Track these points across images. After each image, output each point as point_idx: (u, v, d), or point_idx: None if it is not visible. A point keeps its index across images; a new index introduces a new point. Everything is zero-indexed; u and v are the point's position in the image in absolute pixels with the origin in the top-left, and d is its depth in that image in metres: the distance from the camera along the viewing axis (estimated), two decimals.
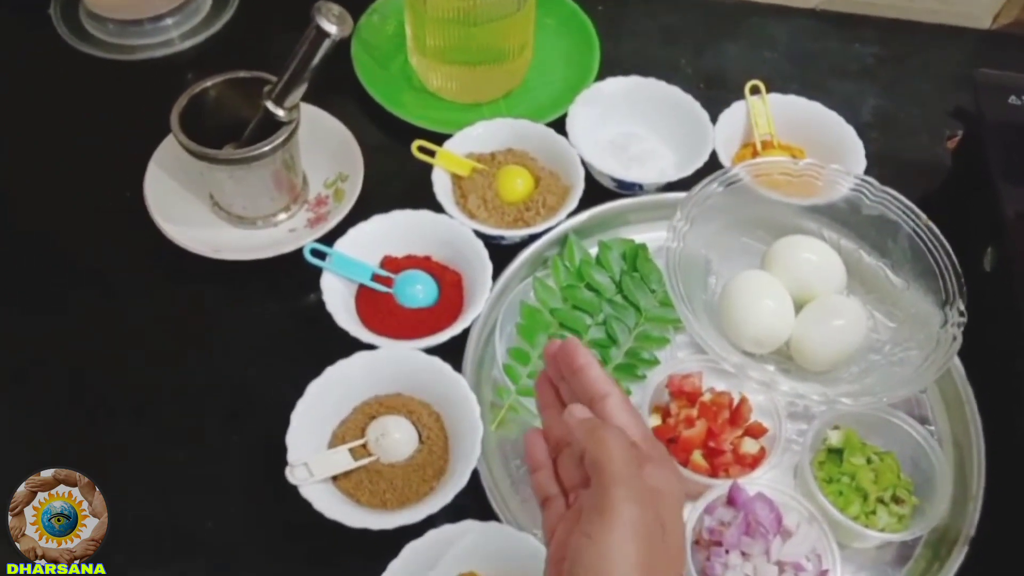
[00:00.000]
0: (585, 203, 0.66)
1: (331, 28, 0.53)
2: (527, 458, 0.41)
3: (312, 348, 0.60)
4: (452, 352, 0.58)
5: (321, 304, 0.59)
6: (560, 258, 0.64)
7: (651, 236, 0.67)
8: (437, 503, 0.51)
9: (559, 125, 0.71)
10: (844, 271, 0.62)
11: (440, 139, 0.70)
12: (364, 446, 0.54)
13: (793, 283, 0.61)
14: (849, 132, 0.69)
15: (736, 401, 0.58)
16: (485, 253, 0.61)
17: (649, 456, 0.37)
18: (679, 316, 0.57)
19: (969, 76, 0.69)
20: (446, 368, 0.56)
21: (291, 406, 0.54)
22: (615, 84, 0.72)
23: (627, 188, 0.68)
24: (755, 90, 0.71)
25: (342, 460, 0.53)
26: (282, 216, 0.67)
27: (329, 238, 0.63)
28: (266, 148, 0.59)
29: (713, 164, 0.68)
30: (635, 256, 0.65)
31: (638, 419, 0.39)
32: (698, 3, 0.85)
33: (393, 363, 0.56)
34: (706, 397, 0.58)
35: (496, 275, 0.62)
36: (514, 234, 0.63)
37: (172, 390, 0.60)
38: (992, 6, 0.83)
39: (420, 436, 0.55)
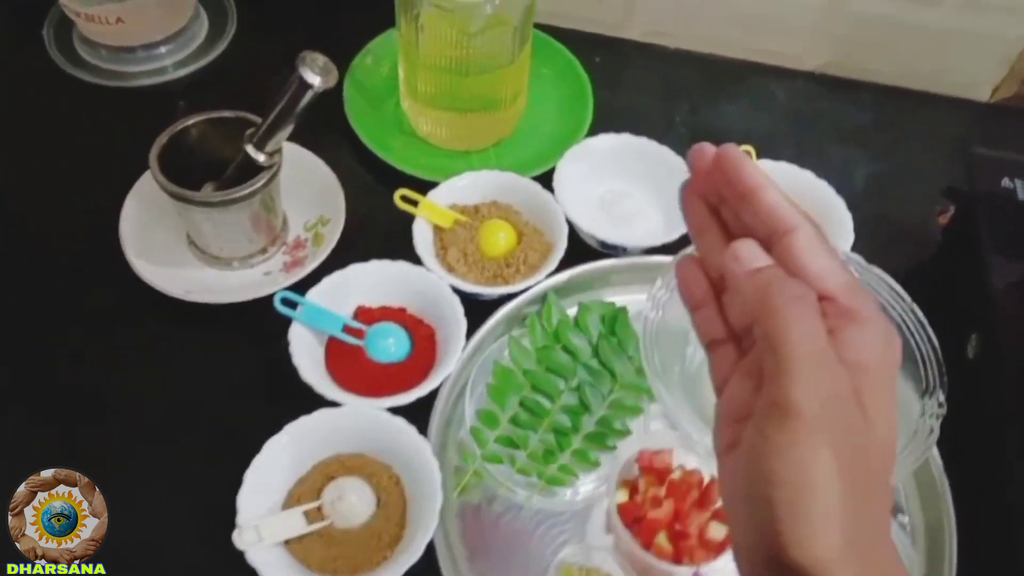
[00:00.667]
0: (568, 260, 0.65)
1: (314, 80, 0.52)
2: (681, 291, 0.33)
3: (277, 397, 0.59)
4: (421, 409, 0.57)
5: (288, 354, 0.58)
6: (538, 317, 0.63)
7: (633, 299, 0.66)
8: (390, 574, 0.49)
9: (548, 178, 0.70)
10: None
11: (426, 186, 0.69)
12: (319, 509, 0.53)
13: None
14: (838, 204, 0.68)
15: (706, 481, 0.57)
16: (460, 310, 0.60)
17: (850, 314, 0.28)
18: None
19: (965, 148, 0.68)
20: (411, 431, 0.54)
21: (249, 457, 0.53)
22: (606, 141, 0.71)
23: (611, 249, 0.67)
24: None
25: (295, 523, 0.52)
26: (259, 258, 0.66)
27: (304, 284, 0.62)
28: (244, 192, 0.58)
29: None
30: (614, 320, 0.63)
31: (835, 260, 0.29)
32: (698, 59, 0.85)
33: (356, 422, 0.55)
34: (676, 475, 0.56)
35: (472, 331, 0.61)
36: (491, 292, 0.62)
37: (137, 432, 0.59)
38: (992, 79, 0.82)
39: (378, 500, 0.54)
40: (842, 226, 0.67)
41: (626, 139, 0.71)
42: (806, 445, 0.26)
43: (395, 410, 0.56)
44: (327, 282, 0.61)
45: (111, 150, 0.73)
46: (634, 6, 0.82)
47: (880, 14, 0.79)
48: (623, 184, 0.71)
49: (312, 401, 0.56)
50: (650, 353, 0.56)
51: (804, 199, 0.69)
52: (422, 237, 0.65)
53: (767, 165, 0.70)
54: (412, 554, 0.50)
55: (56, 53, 0.80)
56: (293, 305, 0.59)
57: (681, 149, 0.74)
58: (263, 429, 0.54)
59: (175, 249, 0.65)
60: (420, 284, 0.62)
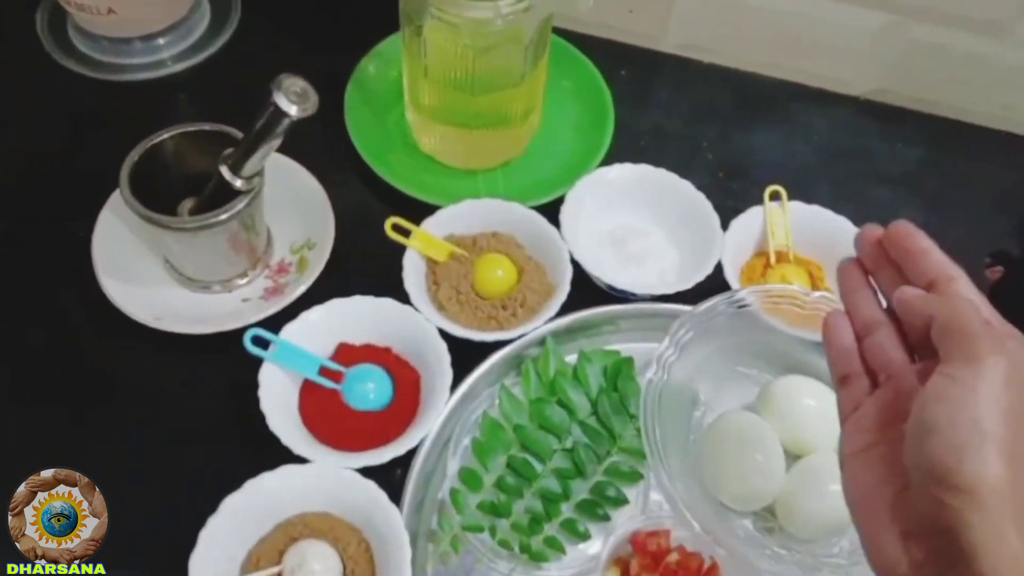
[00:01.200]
0: (571, 300, 0.59)
1: (290, 109, 0.47)
2: (825, 332, 0.39)
3: (244, 442, 0.55)
4: (399, 459, 0.53)
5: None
6: (533, 364, 0.58)
7: (640, 348, 0.60)
8: None
9: (558, 205, 0.64)
10: None
11: (424, 210, 0.64)
12: (279, 575, 0.49)
13: (788, 432, 0.54)
14: None
15: (706, 565, 0.51)
16: (447, 359, 0.55)
17: (1008, 333, 0.34)
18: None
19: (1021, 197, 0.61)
20: (381, 497, 0.50)
21: (206, 512, 0.49)
22: (621, 171, 0.65)
23: (618, 292, 0.61)
24: (775, 196, 0.64)
25: None
26: (239, 282, 0.61)
27: (283, 316, 0.57)
28: (220, 218, 0.54)
29: (717, 273, 0.61)
30: (617, 372, 0.58)
31: (988, 304, 0.35)
32: (734, 77, 0.78)
33: (325, 481, 0.51)
34: (672, 558, 0.51)
35: (462, 375, 0.55)
36: (484, 338, 0.57)
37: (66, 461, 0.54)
38: None
39: (344, 569, 0.50)
40: None
41: (644, 170, 0.65)
42: (990, 381, 0.31)
43: (369, 469, 0.51)
44: (304, 319, 0.56)
45: (102, 149, 0.68)
46: (668, 16, 0.75)
47: (938, 43, 0.71)
48: (637, 219, 0.65)
49: (280, 450, 0.52)
50: (650, 423, 0.50)
51: (838, 247, 0.63)
52: (413, 270, 0.59)
53: (798, 207, 0.64)
54: None
55: (49, 41, 0.76)
56: (265, 344, 0.54)
57: (705, 179, 0.68)
58: (223, 480, 0.50)
59: (150, 267, 0.61)
60: (406, 324, 0.57)
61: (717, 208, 0.64)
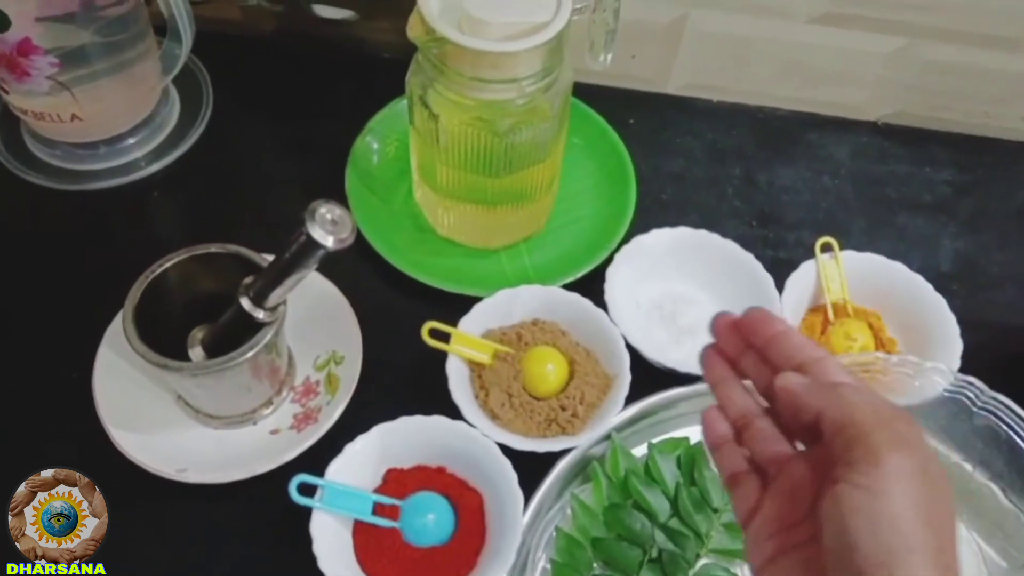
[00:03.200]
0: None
1: (325, 240, 0.41)
2: (706, 435, 0.37)
3: None
4: None
5: (309, 540, 0.48)
6: (601, 467, 0.53)
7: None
8: None
9: (591, 278, 0.60)
10: None
11: (451, 299, 0.59)
12: None
13: None
14: (938, 303, 0.58)
15: None
16: (514, 479, 0.50)
17: (893, 412, 0.32)
18: None
19: None
20: None
21: None
22: (659, 237, 0.61)
23: (678, 373, 0.56)
24: (826, 247, 0.60)
25: None
26: (264, 412, 0.55)
27: (320, 447, 0.52)
28: (244, 357, 0.48)
29: None
30: (691, 463, 0.54)
31: (862, 380, 0.35)
32: (745, 114, 0.74)
33: None
34: None
35: (527, 489, 0.50)
36: (549, 448, 0.52)
37: None
38: None
39: None
40: (945, 329, 0.57)
41: (684, 234, 0.61)
42: (898, 481, 0.29)
43: None
44: (349, 452, 0.50)
45: (77, 270, 0.62)
46: (674, 57, 0.72)
47: (952, 62, 0.69)
48: (682, 286, 0.61)
49: None
50: None
51: (896, 295, 0.60)
52: (458, 378, 0.54)
53: (850, 256, 0.60)
54: None
55: (3, 151, 0.68)
56: (311, 491, 0.49)
57: (739, 230, 0.65)
58: None
59: (162, 408, 0.55)
60: (462, 442, 0.52)
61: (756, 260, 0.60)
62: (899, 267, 0.60)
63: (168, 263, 0.51)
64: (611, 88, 0.74)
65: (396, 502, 0.50)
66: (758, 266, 0.59)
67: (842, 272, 0.60)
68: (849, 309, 0.59)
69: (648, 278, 0.60)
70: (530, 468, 0.51)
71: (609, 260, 0.60)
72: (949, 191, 0.70)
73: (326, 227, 0.41)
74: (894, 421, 0.32)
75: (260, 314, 0.48)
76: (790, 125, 0.74)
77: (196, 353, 0.52)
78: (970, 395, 0.51)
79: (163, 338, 0.49)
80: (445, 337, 0.55)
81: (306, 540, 0.48)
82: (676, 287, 0.61)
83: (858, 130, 0.74)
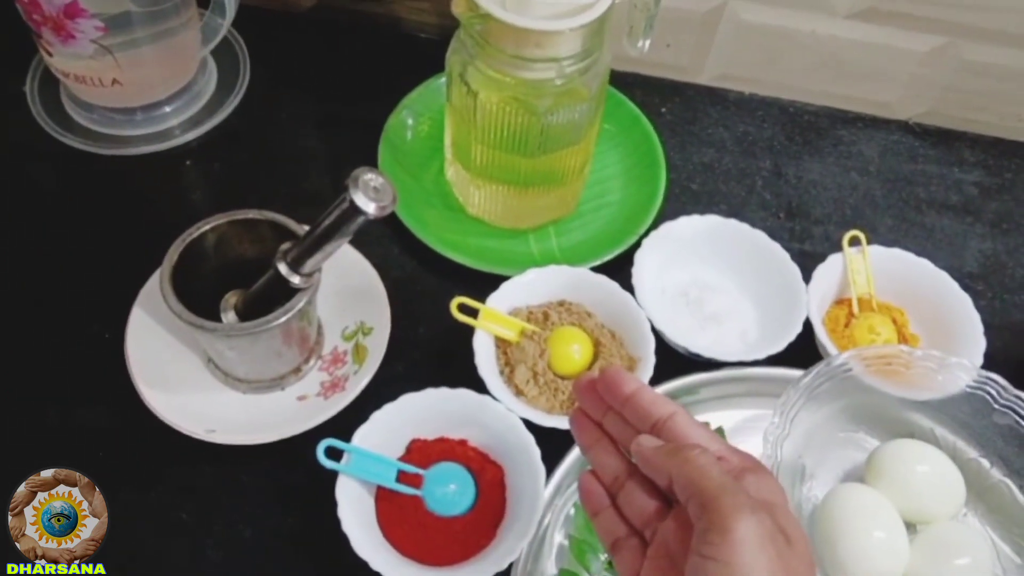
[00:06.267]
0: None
1: (368, 207, 0.42)
2: (585, 503, 0.38)
3: (323, 568, 0.50)
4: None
5: (335, 503, 0.49)
6: None
7: (727, 416, 0.56)
8: None
9: (619, 263, 0.61)
10: (963, 487, 0.52)
11: (478, 277, 0.60)
12: None
13: (903, 502, 0.51)
14: (963, 301, 0.59)
15: None
16: (537, 455, 0.51)
17: (743, 466, 0.34)
18: None
19: None
20: None
21: None
22: (689, 224, 0.61)
23: (702, 359, 0.57)
24: (854, 241, 0.60)
25: None
26: (292, 378, 0.56)
27: (346, 414, 0.53)
28: (279, 321, 0.49)
29: (806, 329, 0.57)
30: None
31: (713, 433, 0.36)
32: (776, 107, 0.74)
33: None
34: None
35: (548, 467, 0.51)
36: None
37: None
38: None
39: None
40: (968, 326, 0.58)
41: (713, 222, 0.61)
42: (749, 550, 0.30)
43: None
44: (376, 419, 0.51)
45: (111, 236, 0.63)
46: (709, 48, 0.72)
47: (989, 62, 0.68)
48: (708, 274, 0.62)
49: (357, 569, 0.47)
50: None
51: (922, 291, 0.60)
52: (484, 354, 0.55)
53: (877, 251, 0.61)
54: None
55: (41, 112, 0.69)
56: (338, 455, 0.50)
57: (766, 222, 0.65)
58: None
59: (193, 370, 0.56)
60: (486, 417, 0.52)
61: None
62: (925, 264, 0.60)
63: (206, 226, 0.51)
64: (645, 76, 0.74)
65: (419, 471, 0.51)
66: (786, 257, 0.60)
67: (868, 266, 0.60)
68: (874, 304, 0.60)
69: (676, 265, 0.61)
70: (552, 445, 0.52)
71: (635, 246, 0.61)
72: (977, 192, 0.70)
73: (368, 194, 0.42)
74: (746, 481, 0.32)
75: (296, 279, 0.48)
76: (821, 120, 0.74)
77: (229, 317, 0.53)
78: (992, 392, 0.52)
79: (197, 301, 0.50)
80: (473, 313, 0.56)
81: (330, 504, 0.49)
82: (703, 275, 0.61)
83: (889, 128, 0.74)
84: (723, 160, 0.71)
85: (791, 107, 0.74)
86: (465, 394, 0.53)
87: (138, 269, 0.57)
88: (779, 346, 0.56)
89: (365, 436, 0.51)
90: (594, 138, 0.61)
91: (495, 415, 0.52)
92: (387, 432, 0.52)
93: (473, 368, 0.55)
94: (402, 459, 0.52)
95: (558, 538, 0.52)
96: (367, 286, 0.58)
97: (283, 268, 0.48)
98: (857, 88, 0.73)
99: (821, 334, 0.56)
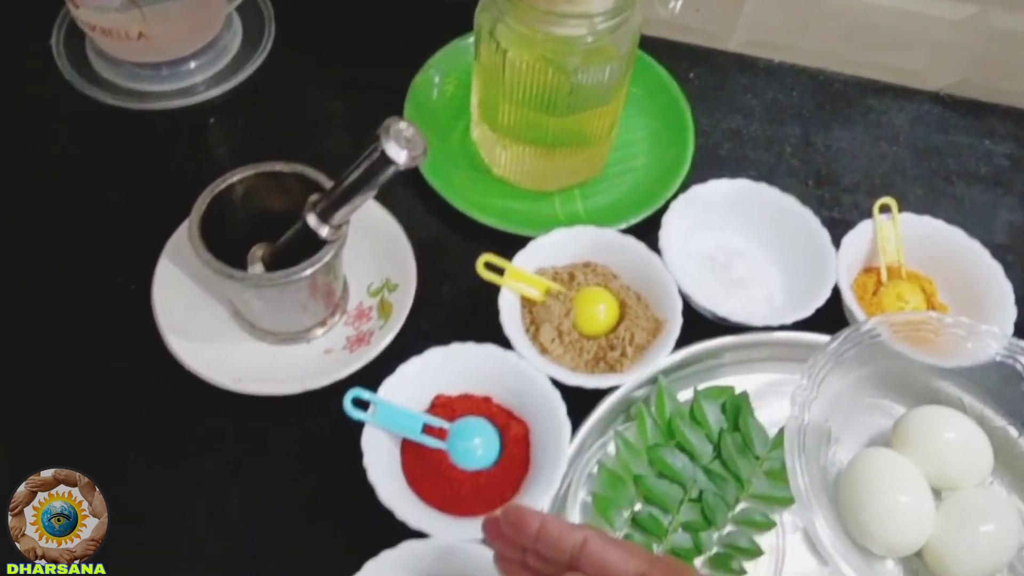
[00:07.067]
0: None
1: (399, 156, 0.42)
2: None
3: (349, 516, 0.50)
4: None
5: (360, 454, 0.49)
6: (646, 407, 0.54)
7: (752, 380, 0.56)
8: None
9: (645, 227, 0.60)
10: (991, 455, 0.52)
11: (503, 238, 0.59)
12: None
13: (930, 468, 0.50)
14: (994, 271, 0.58)
15: None
16: (562, 410, 0.51)
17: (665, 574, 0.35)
18: (793, 499, 0.47)
19: None
20: None
21: None
22: (718, 188, 0.61)
23: (728, 322, 0.57)
24: (885, 208, 0.60)
25: None
26: (318, 331, 0.56)
27: (372, 368, 0.53)
28: (305, 273, 0.49)
29: (833, 295, 0.57)
30: (737, 411, 0.54)
31: (624, 547, 0.36)
32: (806, 75, 0.73)
33: (447, 557, 0.46)
34: None
35: (572, 424, 0.51)
36: (598, 384, 0.52)
37: (164, 561, 0.49)
38: None
39: None
40: (999, 296, 0.57)
41: (742, 186, 0.61)
42: None
43: None
44: (402, 372, 0.51)
45: (136, 190, 0.63)
46: (738, 13, 0.71)
47: (1020, 32, 0.67)
48: (736, 238, 0.61)
49: (389, 523, 0.47)
50: (797, 469, 0.47)
51: (951, 260, 0.59)
52: (510, 312, 0.55)
53: (908, 219, 0.60)
54: None
55: (67, 66, 0.69)
56: (364, 406, 0.50)
57: (794, 189, 0.64)
58: (332, 559, 0.46)
59: (219, 321, 0.56)
60: (511, 373, 0.52)
61: None
62: (957, 232, 0.59)
63: (234, 178, 0.51)
64: (673, 42, 0.73)
65: (445, 424, 0.51)
66: (815, 222, 0.59)
67: (899, 234, 0.59)
68: (903, 272, 0.59)
69: (703, 228, 0.60)
70: (575, 404, 0.52)
71: (661, 211, 0.60)
72: (1008, 164, 0.69)
73: (400, 143, 0.42)
74: None
75: (324, 231, 0.48)
76: (851, 89, 0.73)
77: (256, 270, 0.53)
78: (1023, 361, 0.51)
79: (224, 253, 0.50)
80: (499, 272, 0.56)
81: (356, 455, 0.49)
82: (731, 239, 0.61)
83: (919, 99, 0.73)
84: (751, 127, 0.70)
85: (820, 75, 0.74)
86: (491, 350, 0.53)
87: (162, 223, 0.57)
88: (807, 311, 0.55)
89: (391, 388, 0.51)
90: (623, 100, 0.61)
91: (520, 371, 0.52)
92: (412, 386, 0.52)
93: (498, 327, 0.54)
94: (427, 413, 0.52)
95: (581, 495, 0.52)
96: (393, 243, 0.58)
97: (312, 220, 0.48)
98: (888, 57, 0.72)
99: (850, 300, 0.55)
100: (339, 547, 0.47)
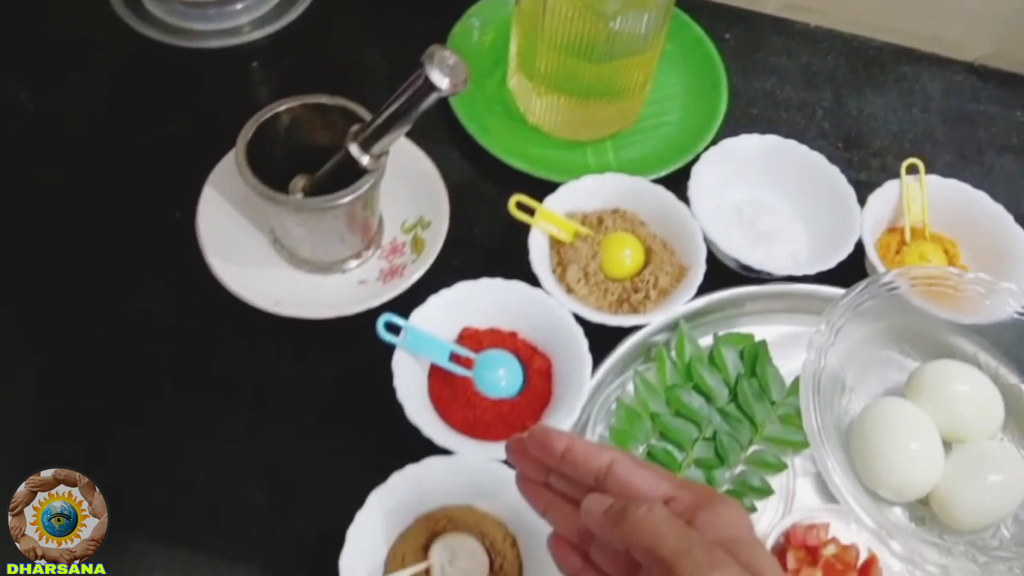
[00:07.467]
0: (700, 283, 0.57)
1: (442, 82, 0.43)
2: (560, 568, 0.36)
3: (376, 434, 0.52)
4: None
5: (390, 377, 0.51)
6: (667, 350, 0.55)
7: (771, 330, 0.58)
8: None
9: (674, 180, 0.61)
10: (1002, 409, 0.53)
11: (534, 183, 0.61)
12: (427, 572, 0.47)
13: (941, 419, 0.52)
14: (1019, 236, 0.59)
15: (863, 558, 0.49)
16: (584, 345, 0.52)
17: (696, 503, 0.32)
18: (807, 442, 0.49)
19: None
20: None
21: (345, 507, 0.46)
22: (748, 143, 0.62)
23: (751, 272, 0.58)
24: (912, 169, 0.61)
25: None
26: (352, 263, 0.58)
27: (404, 299, 0.55)
28: (344, 200, 0.51)
29: (854, 250, 0.58)
30: (755, 358, 0.55)
31: (652, 470, 0.34)
32: (841, 40, 0.74)
33: (469, 473, 0.48)
34: (829, 551, 0.49)
35: (594, 361, 0.53)
36: (620, 323, 0.54)
37: (206, 462, 0.52)
38: None
39: (491, 563, 0.48)
40: (1019, 260, 0.58)
41: (772, 142, 0.62)
42: None
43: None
44: (433, 302, 0.53)
45: (182, 122, 0.66)
46: None
47: None
48: (763, 193, 0.62)
49: (415, 441, 0.49)
50: (812, 411, 0.48)
51: (974, 223, 0.60)
52: (538, 252, 0.56)
53: (934, 181, 0.61)
54: None
55: (120, 5, 0.71)
56: (396, 330, 0.52)
57: (824, 151, 0.65)
58: (357, 472, 0.48)
59: (259, 248, 0.58)
60: (537, 309, 0.54)
61: None
62: (982, 196, 0.60)
63: (281, 107, 0.53)
64: (712, 2, 0.74)
65: (471, 354, 0.53)
66: (842, 180, 0.60)
67: (925, 195, 0.60)
68: (927, 233, 0.60)
69: (732, 183, 0.61)
70: (598, 344, 0.54)
71: (690, 165, 0.61)
72: None
73: (443, 70, 0.44)
74: (701, 521, 0.31)
75: (365, 160, 0.50)
76: (885, 56, 0.73)
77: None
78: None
79: (267, 181, 0.52)
80: (530, 213, 0.57)
81: (386, 379, 0.51)
82: (759, 194, 0.62)
83: (953, 68, 0.73)
84: (784, 88, 0.71)
85: (855, 41, 0.74)
86: (519, 286, 0.54)
87: (204, 157, 0.59)
88: (830, 263, 0.56)
89: (421, 317, 0.53)
90: (658, 52, 0.62)
91: (546, 307, 0.54)
92: (442, 317, 0.54)
93: (526, 267, 0.56)
94: (454, 343, 0.54)
95: (599, 429, 0.54)
96: (428, 183, 0.60)
97: (354, 149, 0.50)
98: (924, 25, 0.72)
99: (872, 256, 0.57)
100: (367, 461, 0.49)
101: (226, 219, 0.58)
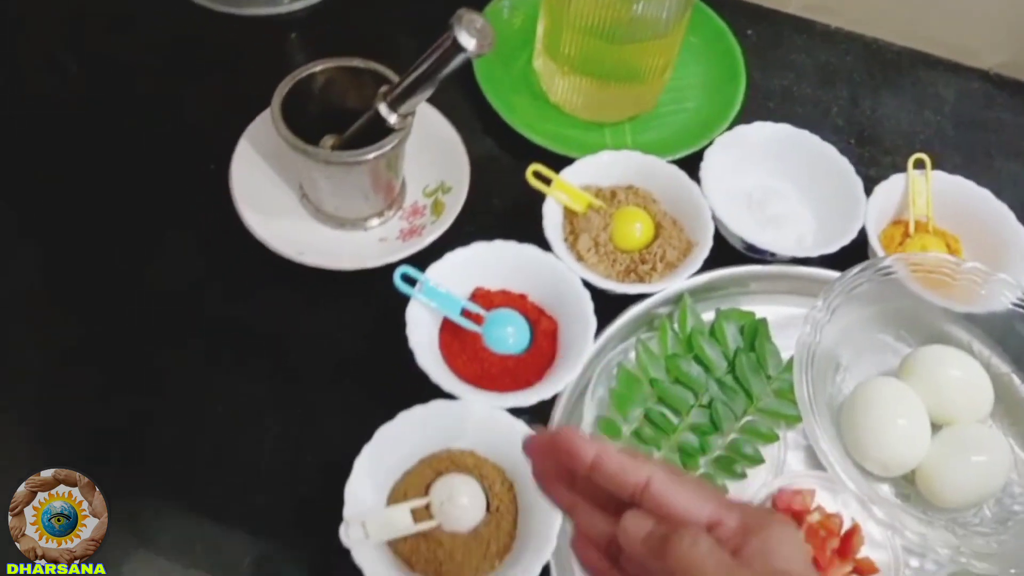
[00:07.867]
0: (705, 259, 0.59)
1: (469, 43, 0.46)
2: (587, 571, 0.34)
3: (387, 379, 0.55)
4: (535, 408, 0.53)
5: (403, 328, 0.54)
6: (669, 321, 0.58)
7: (773, 310, 0.60)
8: None
9: (688, 164, 0.64)
10: (992, 396, 0.54)
11: (553, 158, 0.63)
12: (427, 507, 0.49)
13: (932, 401, 0.54)
14: (1021, 235, 0.60)
15: (846, 527, 0.51)
16: (590, 307, 0.55)
17: (745, 527, 0.30)
18: (799, 416, 0.51)
19: None
20: None
21: (353, 442, 0.49)
22: (762, 130, 0.64)
23: (755, 252, 0.60)
24: (919, 164, 0.63)
25: (402, 522, 0.48)
26: (374, 221, 0.61)
27: (421, 257, 0.57)
28: (372, 155, 0.53)
29: (858, 239, 0.60)
30: (754, 333, 0.58)
31: (699, 488, 0.31)
32: (861, 42, 0.76)
33: (472, 418, 0.51)
34: (814, 518, 0.51)
35: (598, 327, 0.55)
36: (625, 290, 0.57)
37: (225, 398, 0.55)
38: None
39: (488, 505, 0.50)
40: (1019, 257, 0.60)
41: (786, 130, 0.64)
42: None
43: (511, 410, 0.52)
44: (449, 260, 0.56)
45: (220, 84, 0.69)
46: None
47: None
48: (774, 179, 0.64)
49: (424, 387, 0.52)
50: (804, 382, 0.50)
51: (977, 220, 0.62)
52: (552, 220, 0.59)
53: (939, 177, 0.63)
54: (523, 572, 0.46)
55: None
56: (412, 282, 0.54)
57: (836, 145, 0.67)
58: (369, 411, 0.51)
59: (287, 202, 0.61)
60: (547, 272, 0.57)
61: None
62: (986, 194, 0.62)
63: (317, 67, 0.56)
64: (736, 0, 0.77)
65: (482, 311, 0.56)
66: (851, 170, 0.62)
67: (930, 189, 0.62)
68: (930, 227, 0.62)
69: (744, 167, 0.64)
70: (603, 311, 0.56)
71: (704, 151, 0.63)
72: None
73: (471, 32, 0.46)
74: (750, 551, 0.29)
75: (393, 119, 0.53)
76: (903, 59, 0.75)
77: None
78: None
79: (299, 136, 0.55)
80: (546, 183, 0.60)
81: (399, 328, 0.53)
82: (769, 181, 0.64)
83: (969, 75, 0.75)
84: (801, 85, 0.73)
85: (874, 44, 0.76)
86: (531, 249, 0.57)
87: (241, 115, 0.62)
88: (833, 247, 0.58)
89: (436, 273, 0.55)
90: (679, 38, 0.64)
91: (555, 271, 0.56)
92: (456, 274, 0.56)
93: (539, 235, 0.59)
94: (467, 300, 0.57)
95: (600, 391, 0.56)
96: (450, 150, 0.62)
97: (382, 108, 0.53)
98: (941, 30, 0.74)
99: (875, 243, 0.58)
100: (377, 400, 0.52)
101: (258, 173, 0.61)
